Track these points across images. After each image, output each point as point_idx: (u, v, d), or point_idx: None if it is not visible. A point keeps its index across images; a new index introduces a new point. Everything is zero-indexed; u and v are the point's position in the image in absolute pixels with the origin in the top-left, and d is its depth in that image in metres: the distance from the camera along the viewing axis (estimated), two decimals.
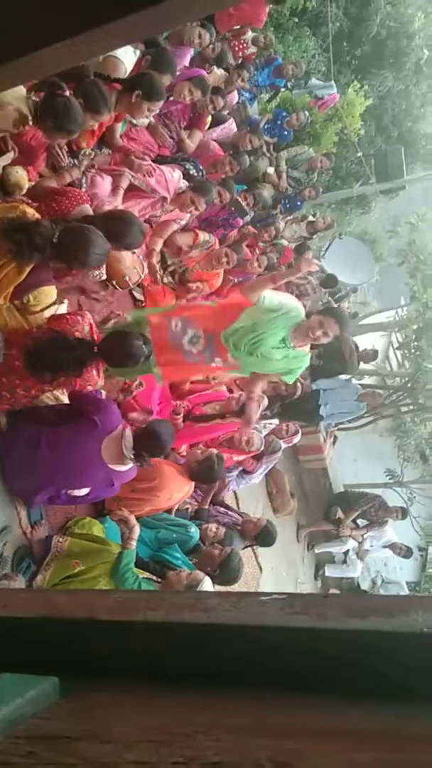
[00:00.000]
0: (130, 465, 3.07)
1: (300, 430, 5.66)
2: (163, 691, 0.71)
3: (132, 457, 3.02)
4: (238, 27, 6.07)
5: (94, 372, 2.70)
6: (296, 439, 5.72)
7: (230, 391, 4.92)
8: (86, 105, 2.92)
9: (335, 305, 8.31)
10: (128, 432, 3.02)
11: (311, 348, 3.61)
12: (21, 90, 2.74)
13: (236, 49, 5.84)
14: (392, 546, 8.01)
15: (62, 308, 3.04)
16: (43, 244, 2.37)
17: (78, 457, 2.91)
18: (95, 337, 2.77)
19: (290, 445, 5.79)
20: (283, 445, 5.47)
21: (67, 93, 2.80)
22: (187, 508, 4.28)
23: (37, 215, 2.61)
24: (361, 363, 7.85)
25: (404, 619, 0.70)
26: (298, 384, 6.01)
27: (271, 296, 3.37)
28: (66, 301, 3.17)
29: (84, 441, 2.91)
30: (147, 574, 3.30)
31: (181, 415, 4.26)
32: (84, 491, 3.07)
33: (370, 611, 0.72)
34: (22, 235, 2.34)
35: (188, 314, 3.52)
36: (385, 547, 8.04)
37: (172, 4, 0.81)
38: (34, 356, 2.56)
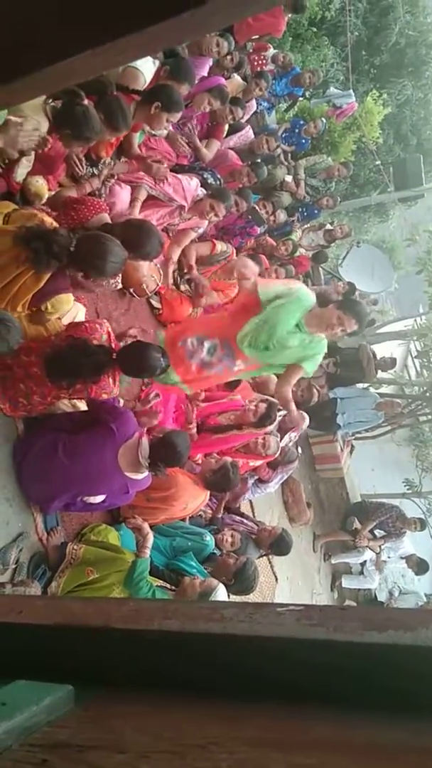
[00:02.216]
0: (146, 473, 3.08)
1: (306, 417, 5.59)
2: (177, 701, 0.70)
3: (147, 465, 3.02)
4: (257, 37, 6.11)
5: (110, 380, 2.72)
6: (304, 425, 5.64)
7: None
8: (106, 120, 2.96)
9: None
10: (144, 440, 3.03)
11: (328, 356, 3.57)
12: (38, 99, 2.77)
13: (255, 63, 5.88)
14: (407, 559, 7.89)
15: (80, 315, 3.06)
16: (61, 252, 2.39)
17: (94, 465, 2.93)
18: (113, 346, 2.79)
19: (299, 432, 5.70)
20: (294, 436, 5.38)
21: (86, 101, 2.84)
22: (201, 515, 4.26)
23: (55, 224, 2.64)
24: (379, 371, 7.79)
25: (423, 632, 0.68)
26: (314, 390, 5.97)
27: (267, 287, 3.34)
28: (84, 307, 3.20)
29: (100, 448, 2.92)
30: (161, 582, 3.29)
31: (195, 424, 4.25)
32: (99, 498, 3.08)
33: (388, 624, 0.70)
34: (40, 243, 2.37)
35: (200, 329, 3.52)
36: (402, 558, 7.94)
37: (191, 16, 0.82)
38: (53, 362, 2.59)
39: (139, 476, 3.05)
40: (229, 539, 4.03)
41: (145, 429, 3.44)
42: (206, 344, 3.40)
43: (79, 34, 0.93)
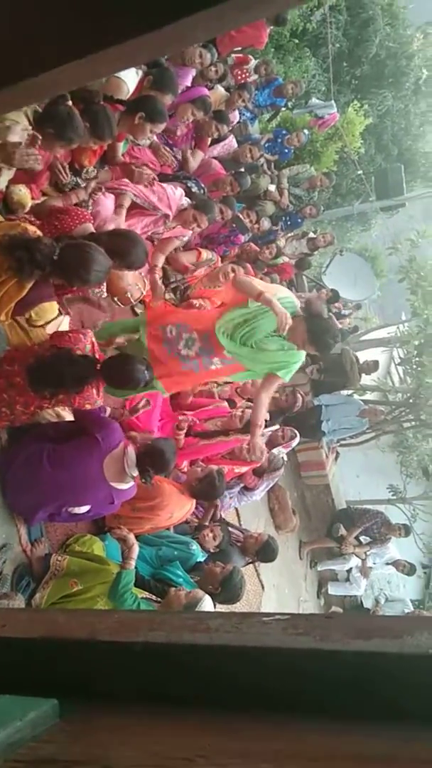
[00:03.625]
0: (131, 483, 3.06)
1: (297, 434, 5.63)
2: (163, 713, 0.70)
3: (134, 475, 3.01)
4: (239, 49, 6.17)
5: (94, 391, 2.70)
6: (294, 442, 5.68)
7: (231, 405, 4.91)
8: (92, 129, 2.96)
9: (337, 322, 8.35)
10: (131, 450, 3.02)
11: (311, 362, 3.56)
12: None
13: (239, 77, 5.93)
14: (395, 563, 7.94)
15: (64, 324, 3.05)
16: (44, 261, 2.38)
17: (80, 475, 2.91)
18: (97, 356, 2.78)
19: (289, 449, 5.74)
20: (284, 451, 5.42)
21: (70, 103, 2.83)
22: (187, 522, 4.24)
23: (39, 233, 2.63)
24: (363, 376, 7.85)
25: (409, 640, 0.69)
26: (298, 395, 5.99)
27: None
28: (68, 317, 3.18)
29: (86, 458, 2.90)
30: (146, 594, 3.27)
31: (184, 430, 4.24)
32: (84, 509, 3.06)
33: (374, 632, 0.71)
34: (22, 252, 2.36)
35: (182, 319, 3.49)
36: (388, 564, 7.97)
37: (174, 29, 0.83)
38: (36, 372, 2.57)
39: (125, 486, 3.04)
40: (210, 534, 4.01)
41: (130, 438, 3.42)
42: (185, 335, 3.37)
43: (63, 45, 0.93)
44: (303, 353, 3.43)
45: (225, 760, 0.58)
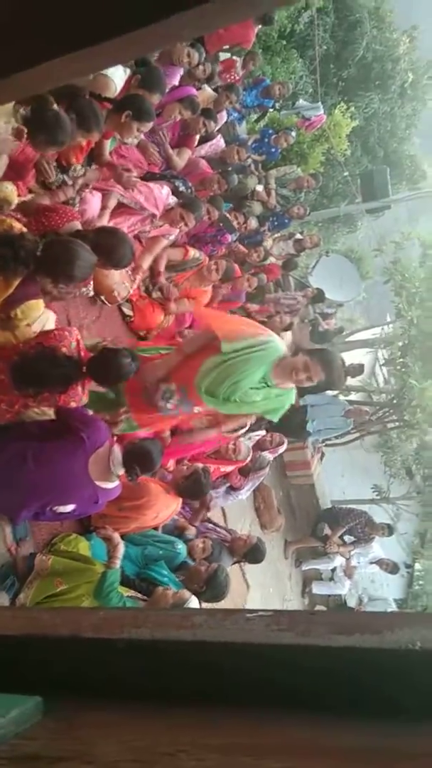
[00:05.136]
0: (116, 482, 3.05)
1: (285, 441, 5.66)
2: (147, 709, 0.70)
3: (119, 474, 3.00)
4: (227, 47, 6.18)
5: (79, 388, 2.69)
6: (281, 449, 5.72)
7: None
8: (78, 122, 2.95)
9: (323, 322, 8.40)
10: (116, 449, 3.00)
11: None
12: (8, 105, 2.75)
13: (226, 78, 5.94)
14: (379, 562, 8.01)
15: (50, 323, 3.03)
16: (28, 258, 2.36)
17: (64, 473, 2.89)
18: (82, 354, 2.76)
19: (276, 455, 5.78)
20: (270, 457, 5.46)
21: (55, 106, 2.83)
22: (175, 519, 4.24)
23: (24, 230, 2.61)
24: (348, 377, 7.91)
25: (390, 635, 0.70)
26: None
27: (232, 342, 3.02)
28: (54, 315, 3.17)
29: (71, 457, 2.89)
30: (132, 593, 3.26)
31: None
32: (69, 508, 3.04)
33: (355, 628, 0.72)
34: (6, 249, 2.34)
35: (158, 371, 3.25)
36: (372, 563, 8.04)
37: (162, 26, 0.83)
38: (20, 370, 2.55)
39: (110, 485, 3.02)
40: (201, 545, 4.02)
41: (116, 437, 3.40)
42: (162, 386, 3.15)
43: (50, 41, 0.93)
44: (293, 393, 3.21)
45: (206, 755, 0.58)
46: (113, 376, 2.78)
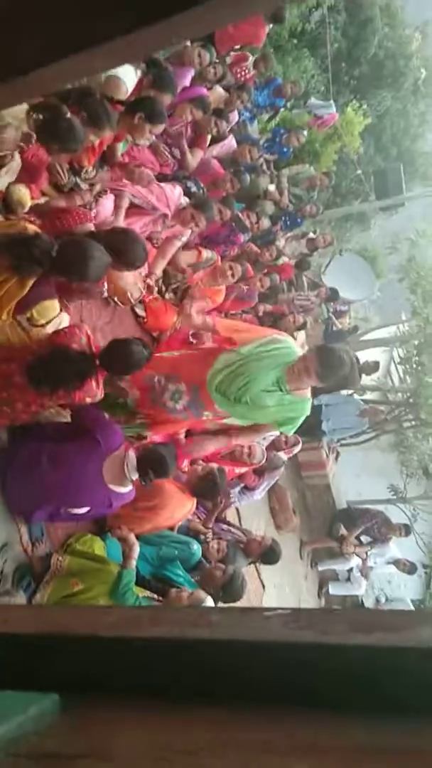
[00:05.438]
0: (130, 487, 3.04)
1: (300, 441, 5.63)
2: (166, 708, 0.70)
3: (133, 478, 2.99)
4: (238, 47, 6.17)
5: (94, 384, 2.70)
6: (296, 449, 5.69)
7: None
8: (89, 120, 2.97)
9: (336, 321, 8.35)
10: (131, 454, 3.00)
11: None
12: (20, 109, 2.78)
13: (238, 75, 5.94)
14: (396, 562, 7.94)
15: (64, 322, 3.05)
16: (43, 257, 2.38)
17: (78, 476, 2.89)
18: (93, 348, 2.77)
19: (290, 456, 5.76)
20: (285, 458, 5.44)
21: (69, 115, 2.85)
22: (190, 520, 4.23)
23: (38, 231, 2.63)
24: (363, 375, 7.86)
25: (409, 634, 0.69)
26: None
27: (247, 343, 3.04)
28: (68, 315, 3.18)
29: (85, 460, 2.90)
30: (148, 593, 3.27)
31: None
32: (84, 509, 3.05)
33: (375, 627, 0.71)
34: (21, 249, 2.36)
35: (170, 368, 3.24)
36: (389, 563, 7.97)
37: (167, 25, 0.83)
38: (35, 370, 2.56)
39: (124, 490, 3.02)
40: (216, 546, 4.01)
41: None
42: (171, 387, 3.12)
43: (54, 41, 0.93)
44: (309, 403, 3.10)
45: (227, 753, 0.58)
46: (126, 365, 2.78)
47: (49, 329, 2.78)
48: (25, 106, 2.80)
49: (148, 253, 3.59)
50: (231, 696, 0.69)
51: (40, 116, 2.81)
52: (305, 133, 7.24)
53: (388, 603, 9.23)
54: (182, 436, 4.22)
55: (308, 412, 3.15)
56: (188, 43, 4.72)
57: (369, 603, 8.78)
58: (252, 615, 0.78)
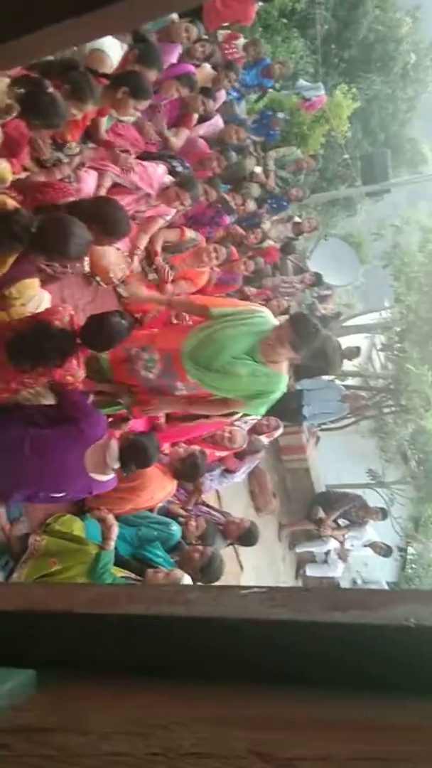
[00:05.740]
0: (111, 475, 3.03)
1: (281, 425, 5.66)
2: (141, 683, 0.70)
3: (114, 467, 2.97)
4: (227, 25, 6.07)
5: (75, 362, 2.67)
6: (277, 433, 5.72)
7: None
8: (71, 93, 2.90)
9: (320, 306, 8.37)
10: (114, 443, 2.97)
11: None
12: (1, 83, 2.71)
13: (226, 52, 5.84)
14: (373, 545, 8.08)
15: (45, 303, 3.00)
16: (22, 233, 2.33)
17: (60, 463, 2.85)
18: (75, 328, 2.73)
19: (271, 439, 5.79)
20: (266, 441, 5.47)
21: (51, 90, 2.78)
22: (170, 502, 4.24)
23: (18, 206, 2.57)
24: (344, 360, 7.90)
25: (384, 612, 0.70)
26: None
27: (220, 307, 3.02)
28: (49, 295, 3.14)
29: (67, 447, 2.87)
30: (126, 573, 3.28)
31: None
32: (62, 493, 3.04)
33: (350, 604, 0.72)
34: (0, 225, 2.31)
35: (149, 338, 3.21)
36: (365, 546, 8.11)
37: None
38: (15, 345, 2.52)
39: (104, 478, 3.00)
40: (194, 523, 4.04)
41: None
42: (145, 355, 3.08)
43: (46, 7, 0.90)
44: (285, 380, 3.02)
45: (200, 727, 0.58)
46: (107, 338, 2.73)
47: (30, 308, 2.74)
48: (6, 80, 2.72)
49: (131, 232, 3.55)
50: (206, 672, 0.69)
51: (22, 90, 2.74)
52: (282, 116, 7.16)
53: (364, 585, 9.40)
54: (162, 420, 4.21)
55: (283, 390, 3.05)
56: (175, 17, 4.62)
57: (345, 585, 8.92)
58: (228, 593, 0.79)
